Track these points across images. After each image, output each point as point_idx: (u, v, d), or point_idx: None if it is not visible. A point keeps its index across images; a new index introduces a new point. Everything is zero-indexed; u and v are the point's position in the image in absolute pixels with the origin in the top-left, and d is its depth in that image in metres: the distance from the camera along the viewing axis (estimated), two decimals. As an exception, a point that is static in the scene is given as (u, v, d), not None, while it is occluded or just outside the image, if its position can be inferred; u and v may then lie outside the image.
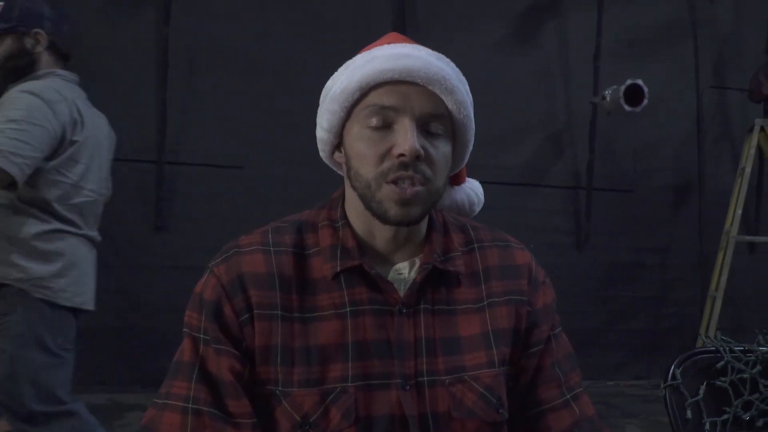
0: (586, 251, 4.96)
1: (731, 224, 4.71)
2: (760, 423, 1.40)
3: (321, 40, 4.40)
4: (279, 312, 0.90)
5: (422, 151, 0.88)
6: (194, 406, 0.89)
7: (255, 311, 0.90)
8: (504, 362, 0.95)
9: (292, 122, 4.33)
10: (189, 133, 4.26)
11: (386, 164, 0.89)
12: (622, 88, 4.39)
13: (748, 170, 4.75)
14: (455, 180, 1.09)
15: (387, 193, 0.88)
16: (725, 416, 1.38)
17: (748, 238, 4.96)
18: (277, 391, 0.89)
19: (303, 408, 0.88)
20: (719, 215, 4.87)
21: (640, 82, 4.39)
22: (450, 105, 0.91)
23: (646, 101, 4.40)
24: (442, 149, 0.91)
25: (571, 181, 4.96)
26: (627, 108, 4.40)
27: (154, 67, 4.18)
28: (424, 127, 0.90)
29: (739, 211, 4.72)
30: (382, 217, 0.89)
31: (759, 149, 4.80)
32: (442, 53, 0.97)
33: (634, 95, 4.41)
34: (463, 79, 0.95)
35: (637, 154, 5.10)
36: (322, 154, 1.02)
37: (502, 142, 4.54)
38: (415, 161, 0.88)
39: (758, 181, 5.15)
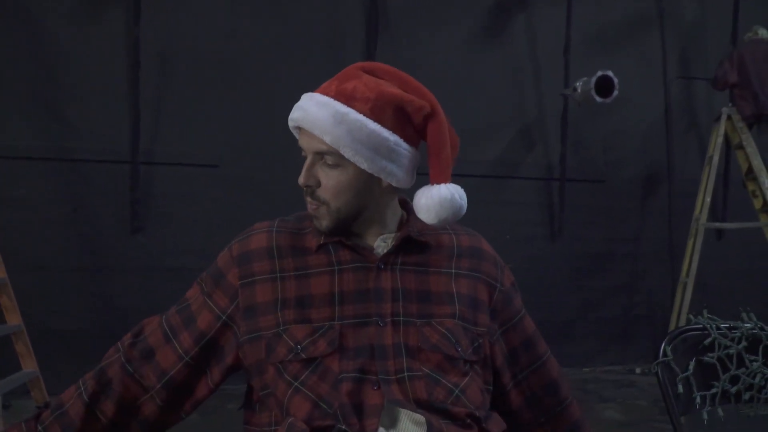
0: (559, 242, 5.04)
1: (700, 212, 4.84)
2: (746, 396, 1.45)
3: (293, 39, 4.40)
4: (277, 275, 1.16)
5: (311, 181, 1.13)
6: (165, 320, 1.22)
7: (256, 277, 1.16)
8: (463, 318, 1.17)
9: (266, 120, 4.33)
10: (163, 133, 4.22)
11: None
12: (593, 79, 4.47)
13: (715, 158, 4.88)
14: (437, 179, 1.14)
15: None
16: (714, 390, 1.43)
17: (717, 224, 5.10)
18: (279, 330, 1.13)
19: (297, 337, 1.11)
20: (688, 204, 5.00)
21: (610, 73, 4.47)
22: (328, 142, 1.10)
23: (616, 92, 4.48)
24: (336, 177, 1.12)
25: (543, 173, 5.04)
26: (598, 99, 4.47)
27: (126, 68, 4.13)
28: (321, 161, 1.13)
29: (708, 199, 4.85)
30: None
31: (725, 138, 4.94)
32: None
33: (604, 87, 4.49)
34: (352, 118, 1.10)
35: (607, 145, 5.20)
36: None
37: (474, 137, 4.59)
38: (309, 189, 1.14)
39: (725, 168, 5.29)
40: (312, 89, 1.16)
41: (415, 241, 1.18)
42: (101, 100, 4.09)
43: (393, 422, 1.08)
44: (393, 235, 1.19)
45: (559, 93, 4.93)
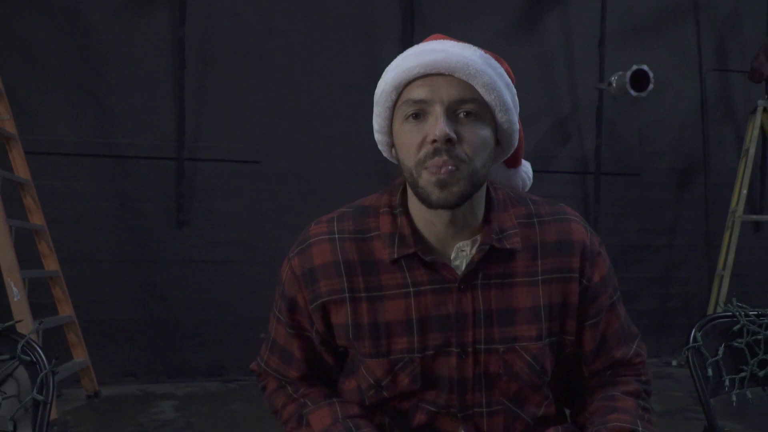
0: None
1: (737, 204, 4.82)
2: (774, 380, 1.51)
3: (329, 34, 4.50)
4: (347, 295, 1.03)
5: (453, 135, 0.94)
6: (265, 368, 1.19)
7: (325, 298, 1.04)
8: (552, 334, 1.06)
9: (305, 116, 4.46)
10: (206, 130, 4.37)
11: (423, 152, 0.96)
12: (628, 73, 4.49)
13: (752, 151, 4.85)
14: (512, 163, 1.16)
15: (426, 179, 0.96)
16: (743, 374, 1.49)
17: (754, 217, 5.07)
18: (358, 357, 1.07)
19: (375, 374, 1.04)
20: (724, 196, 4.98)
21: (645, 67, 4.49)
22: (478, 88, 0.97)
23: (651, 86, 4.50)
24: (477, 131, 0.97)
25: (579, 167, 5.07)
26: (633, 93, 4.50)
27: (171, 67, 4.28)
28: (456, 113, 0.97)
29: (745, 191, 4.83)
30: (426, 202, 0.97)
31: (762, 130, 4.91)
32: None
33: (639, 80, 4.51)
34: (494, 63, 1.02)
35: (642, 137, 5.20)
36: (383, 153, 1.11)
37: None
38: (448, 145, 0.94)
39: (762, 161, 5.26)
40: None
41: (497, 249, 1.04)
42: (147, 97, 4.25)
43: None
44: (471, 240, 1.04)
45: (594, 87, 4.95)
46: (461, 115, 0.97)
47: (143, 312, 4.23)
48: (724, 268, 4.77)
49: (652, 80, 4.50)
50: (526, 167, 1.25)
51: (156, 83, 4.27)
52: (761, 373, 1.51)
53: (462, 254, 1.04)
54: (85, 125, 4.16)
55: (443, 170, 0.95)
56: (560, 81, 5.06)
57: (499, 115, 1.00)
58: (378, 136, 1.07)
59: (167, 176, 4.28)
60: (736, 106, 5.40)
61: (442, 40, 1.02)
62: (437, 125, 0.94)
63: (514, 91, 1.04)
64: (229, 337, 4.27)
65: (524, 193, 1.14)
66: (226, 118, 4.37)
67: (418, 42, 1.07)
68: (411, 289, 1.02)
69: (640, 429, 1.03)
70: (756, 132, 4.85)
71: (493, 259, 1.03)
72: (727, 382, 1.47)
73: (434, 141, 0.94)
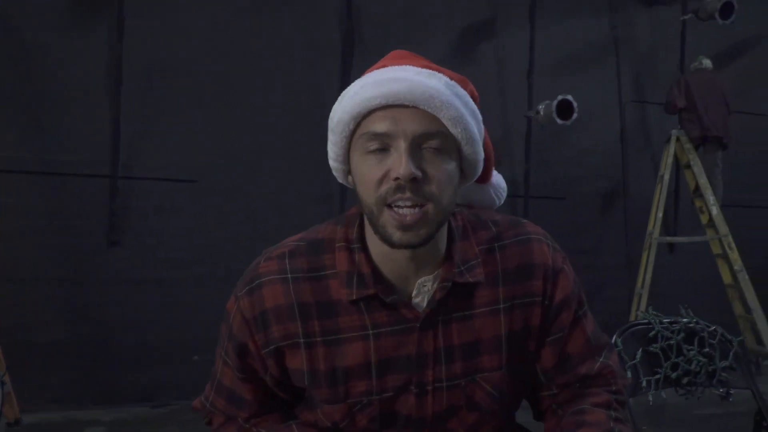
0: (524, 255, 5.27)
1: (653, 226, 5.14)
2: (685, 380, 1.67)
3: (272, 56, 4.57)
4: (302, 340, 0.98)
5: (419, 173, 0.89)
6: (210, 408, 1.12)
7: (280, 344, 0.99)
8: (512, 362, 1.03)
9: (245, 136, 4.49)
10: (143, 147, 4.33)
11: (384, 188, 0.90)
12: (554, 103, 4.76)
13: (666, 177, 5.20)
14: (483, 179, 1.09)
15: (387, 218, 0.91)
16: (657, 376, 1.65)
17: (668, 238, 5.42)
18: (315, 401, 1.03)
19: (333, 417, 1.01)
20: (643, 219, 5.30)
21: (570, 97, 4.77)
22: (444, 121, 0.92)
23: (576, 115, 4.78)
24: (443, 166, 0.91)
25: (509, 190, 5.27)
26: (559, 121, 4.77)
27: (108, 83, 4.24)
28: (421, 147, 0.91)
29: (660, 215, 5.16)
30: (388, 242, 0.92)
31: (675, 158, 5.27)
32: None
33: (565, 109, 4.78)
34: (461, 92, 0.96)
35: (568, 164, 5.48)
36: (339, 179, 1.04)
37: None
38: (412, 183, 0.89)
39: (676, 186, 5.63)
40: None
41: (461, 284, 0.99)
42: (83, 113, 4.19)
43: None
44: (433, 276, 0.99)
45: (524, 114, 5.21)
46: (426, 150, 0.91)
47: (71, 334, 4.12)
48: (642, 286, 5.05)
49: (577, 110, 4.78)
50: (497, 180, 1.19)
51: (92, 100, 4.22)
52: (674, 375, 1.67)
53: (424, 290, 0.99)
54: (16, 140, 4.06)
55: (408, 218, 0.90)
56: (492, 108, 5.29)
57: (465, 148, 0.95)
58: (333, 164, 1.00)
59: (101, 194, 4.21)
60: (653, 135, 5.78)
61: (405, 67, 0.95)
62: (401, 162, 0.88)
63: (480, 117, 0.99)
64: (162, 360, 4.20)
65: (486, 214, 1.09)
66: (164, 136, 4.35)
67: (357, 66, 1.05)
68: (370, 332, 0.97)
69: None
70: (670, 160, 5.20)
71: (455, 294, 0.99)
72: (644, 384, 1.62)
73: (396, 179, 0.89)
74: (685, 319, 1.73)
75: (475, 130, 0.96)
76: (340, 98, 0.97)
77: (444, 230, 0.99)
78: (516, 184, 5.31)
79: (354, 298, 0.97)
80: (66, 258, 4.16)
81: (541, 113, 4.90)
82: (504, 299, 1.01)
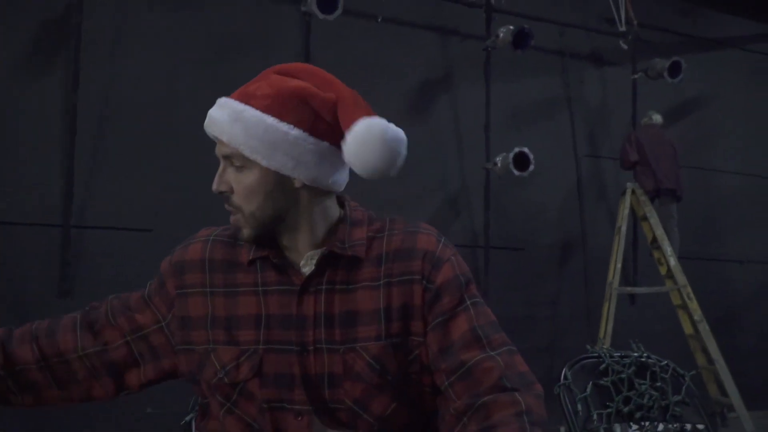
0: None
1: (613, 277, 5.19)
2: (638, 415, 1.64)
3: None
4: (208, 290, 1.16)
5: (222, 188, 1.12)
6: (109, 304, 1.24)
7: (188, 289, 1.17)
8: (393, 335, 1.10)
9: (200, 185, 4.42)
10: (96, 196, 4.25)
11: None
12: (511, 155, 4.85)
13: (623, 228, 5.29)
14: (352, 118, 1.09)
15: None
16: (609, 410, 1.61)
17: (629, 289, 5.47)
18: (209, 347, 1.14)
19: (223, 360, 1.12)
20: (601, 270, 5.35)
21: (526, 150, 4.87)
22: (227, 141, 1.10)
23: (532, 167, 4.87)
24: (243, 180, 1.10)
25: (469, 240, 5.31)
26: (516, 173, 4.85)
27: (62, 131, 4.19)
28: (231, 165, 1.11)
29: (619, 265, 5.22)
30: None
31: (632, 209, 5.38)
32: None
33: (521, 161, 4.87)
34: (248, 115, 1.09)
35: (526, 215, 5.55)
36: None
37: (402, 205, 4.84)
38: (225, 195, 1.12)
39: (633, 238, 5.72)
40: None
41: (342, 256, 1.12)
42: (35, 161, 4.11)
43: None
44: (319, 251, 1.13)
45: (482, 166, 5.28)
46: (232, 166, 1.11)
47: (15, 390, 3.93)
48: (604, 337, 5.05)
49: (533, 161, 4.87)
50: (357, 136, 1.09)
51: (45, 148, 4.15)
52: (626, 410, 1.64)
53: (311, 262, 1.13)
54: (-38, 189, 3.96)
55: (232, 219, 1.14)
56: (450, 161, 5.36)
57: (257, 158, 1.08)
58: None
59: (51, 243, 4.10)
60: (608, 188, 5.90)
61: (223, 100, 1.15)
62: (215, 181, 1.13)
63: (271, 122, 1.08)
64: (112, 413, 4.02)
65: (390, 217, 1.21)
66: (118, 184, 4.28)
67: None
68: (260, 288, 1.13)
69: None
70: (626, 212, 5.31)
71: (340, 267, 1.12)
72: (594, 417, 1.58)
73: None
74: (635, 354, 1.71)
75: (259, 144, 1.08)
76: None
77: (319, 217, 1.14)
78: (476, 235, 5.33)
79: (251, 257, 1.14)
80: (14, 308, 4.00)
81: (499, 165, 4.98)
82: (385, 275, 1.12)
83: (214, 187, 1.12)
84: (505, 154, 4.99)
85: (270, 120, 1.09)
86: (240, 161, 1.10)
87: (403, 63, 5.17)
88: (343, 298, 1.11)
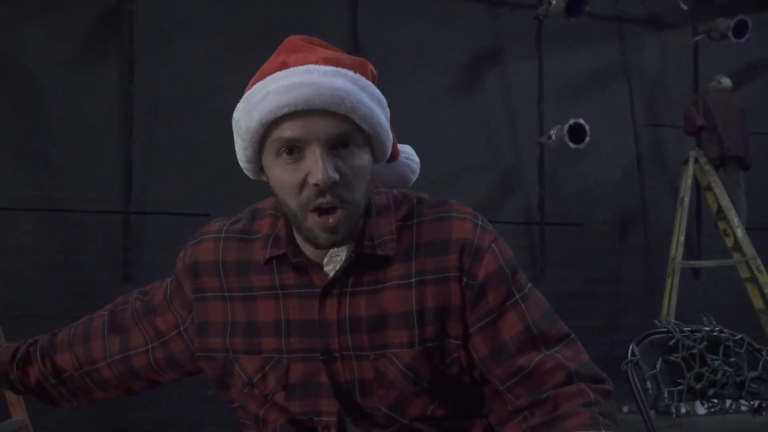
0: (541, 284, 5.16)
1: (676, 251, 5.01)
2: (711, 392, 1.56)
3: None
4: (226, 294, 1.03)
5: (336, 176, 0.90)
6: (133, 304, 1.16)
7: (207, 293, 1.05)
8: (428, 339, 0.98)
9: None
10: (155, 183, 4.35)
11: (305, 193, 0.92)
12: (566, 127, 4.71)
13: (686, 200, 5.09)
14: (390, 158, 1.06)
15: (313, 223, 0.93)
16: (680, 387, 1.54)
17: (693, 263, 5.27)
18: (231, 356, 1.04)
19: (248, 371, 1.02)
20: (664, 244, 5.17)
21: (581, 121, 4.72)
22: (356, 120, 0.92)
23: (588, 138, 4.72)
24: (356, 163, 0.93)
25: (523, 217, 5.21)
26: (571, 145, 4.71)
27: (119, 120, 4.29)
28: (335, 147, 0.92)
29: (682, 238, 5.03)
30: (314, 243, 0.95)
31: (695, 179, 5.16)
32: (396, 101, 1.04)
33: (577, 133, 4.73)
34: (367, 84, 0.95)
35: (583, 190, 5.40)
36: (250, 176, 1.05)
37: (453, 183, 4.77)
38: (332, 186, 0.90)
39: (697, 209, 5.50)
40: None
41: (369, 256, 0.98)
42: (93, 150, 4.22)
43: None
44: (345, 247, 0.98)
45: (535, 141, 5.15)
46: (340, 147, 0.92)
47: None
48: (668, 313, 4.90)
49: (589, 133, 4.72)
50: (406, 153, 1.13)
51: (103, 137, 4.26)
52: (698, 386, 1.56)
53: (336, 259, 0.99)
54: (28, 179, 4.10)
55: (331, 221, 0.92)
56: (503, 136, 5.25)
57: (375, 140, 0.96)
58: (244, 165, 1.02)
59: (113, 230, 4.22)
60: (670, 158, 5.69)
61: (309, 67, 0.93)
62: (319, 169, 0.89)
63: (384, 101, 0.98)
64: (175, 394, 4.13)
65: (413, 193, 1.06)
66: (176, 171, 4.36)
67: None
68: (279, 292, 1.00)
69: None
70: (689, 182, 5.10)
71: (366, 266, 0.98)
72: (665, 394, 1.51)
73: (317, 184, 0.90)
74: (707, 328, 1.63)
75: (384, 121, 0.96)
76: (244, 103, 0.98)
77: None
78: (530, 211, 5.22)
79: (267, 257, 1.00)
80: (79, 294, 4.14)
81: (553, 138, 4.85)
82: (416, 273, 0.98)
83: (328, 175, 0.89)
84: (559, 126, 4.85)
85: (374, 89, 0.95)
86: (358, 141, 0.93)
87: (451, 38, 5.07)
88: (371, 300, 0.98)
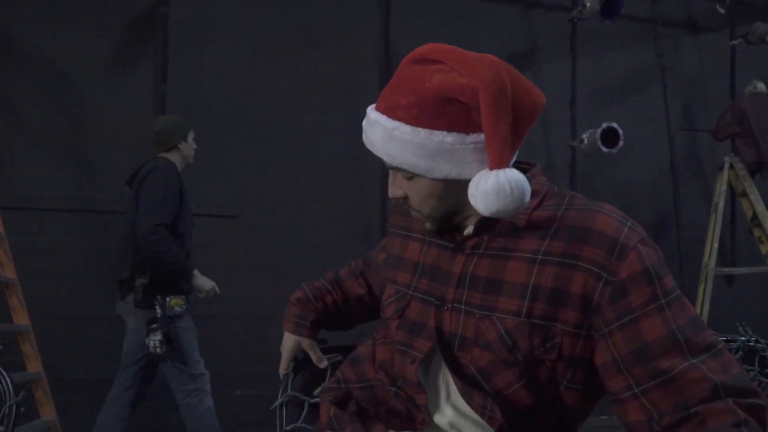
0: (572, 289, 5.11)
1: (709, 257, 4.92)
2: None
3: (310, 91, 4.62)
4: (393, 229, 1.30)
5: (399, 193, 1.13)
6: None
7: (392, 228, 1.31)
8: (536, 316, 1.02)
9: (286, 171, 4.52)
10: (186, 184, 4.38)
11: None
12: (599, 130, 4.65)
13: (721, 206, 5.00)
14: (493, 164, 1.04)
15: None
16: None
17: (726, 270, 5.17)
18: (387, 279, 1.27)
19: (388, 293, 1.24)
20: (697, 250, 5.08)
21: (615, 125, 4.66)
22: (389, 162, 1.09)
23: (621, 143, 4.66)
24: (416, 188, 1.10)
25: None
26: (604, 149, 4.65)
27: (152, 122, 4.34)
28: (398, 172, 1.12)
29: (716, 245, 4.94)
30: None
31: (729, 185, 5.07)
32: None
33: (610, 137, 4.67)
34: (396, 135, 1.05)
35: (616, 194, 5.32)
36: None
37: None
38: (404, 200, 1.14)
39: (731, 215, 5.39)
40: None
41: (502, 222, 1.07)
42: (128, 152, 4.27)
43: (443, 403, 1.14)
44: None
45: (567, 144, 5.10)
46: (401, 175, 1.11)
47: (114, 370, 4.13)
48: (700, 321, 4.81)
49: (622, 137, 4.66)
50: (506, 175, 1.09)
51: (137, 139, 4.31)
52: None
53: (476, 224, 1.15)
54: (63, 179, 4.17)
55: (413, 214, 1.16)
56: (535, 139, 5.20)
57: (430, 174, 1.06)
58: None
59: (146, 230, 4.26)
60: (704, 163, 5.58)
61: (376, 116, 1.10)
62: (389, 187, 1.15)
63: (433, 144, 1.03)
64: (206, 394, 4.18)
65: (570, 192, 1.13)
66: (207, 172, 4.40)
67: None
68: (426, 238, 1.19)
69: None
70: (724, 187, 5.01)
71: (502, 234, 1.08)
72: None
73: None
74: (743, 338, 1.59)
75: (419, 160, 1.05)
76: None
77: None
78: (562, 216, 5.17)
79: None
80: (109, 295, 4.20)
81: (586, 142, 4.79)
82: (545, 252, 1.04)
83: (390, 194, 1.14)
84: (592, 130, 4.80)
85: (422, 133, 1.03)
86: (407, 173, 1.09)
87: (485, 39, 5.03)
88: (494, 264, 1.07)
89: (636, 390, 0.98)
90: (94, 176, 4.23)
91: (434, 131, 1.02)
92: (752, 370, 1.53)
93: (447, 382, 1.13)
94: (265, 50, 4.59)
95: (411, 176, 1.08)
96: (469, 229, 1.12)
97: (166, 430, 4.18)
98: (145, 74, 4.37)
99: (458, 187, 1.05)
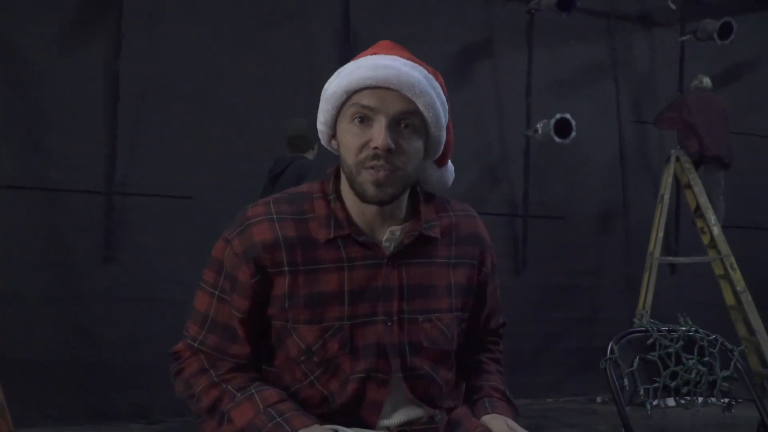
0: (523, 275, 5.23)
1: (654, 247, 5.09)
2: (684, 390, 1.62)
3: (267, 74, 4.58)
4: (286, 268, 1.13)
5: (393, 145, 1.08)
6: (198, 347, 1.20)
7: (267, 270, 1.13)
8: (457, 309, 1.22)
9: (240, 153, 4.47)
10: (138, 164, 4.31)
11: (364, 154, 1.10)
12: (552, 121, 4.75)
13: (666, 197, 5.17)
14: (440, 162, 1.28)
15: (365, 177, 1.10)
16: (656, 384, 1.59)
17: (670, 259, 5.36)
18: (288, 326, 1.15)
19: (307, 340, 1.14)
20: (643, 239, 5.25)
21: (568, 116, 4.76)
22: (420, 105, 1.11)
23: (574, 133, 4.77)
24: (413, 143, 1.12)
25: (508, 209, 5.25)
26: (557, 140, 4.75)
27: (105, 100, 4.24)
28: (397, 124, 1.10)
29: (661, 235, 5.12)
30: (362, 197, 1.11)
31: (675, 177, 5.25)
32: None
33: (563, 128, 4.77)
34: (436, 83, 1.17)
35: (567, 183, 5.45)
36: (322, 141, 1.21)
37: (442, 173, 4.79)
38: (387, 153, 1.08)
39: (677, 206, 5.59)
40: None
41: (423, 236, 1.18)
42: (78, 130, 4.17)
43: (392, 413, 1.18)
44: (401, 227, 1.18)
45: (522, 134, 5.19)
46: (402, 125, 1.10)
47: (66, 351, 4.06)
48: (644, 307, 4.99)
49: (575, 128, 4.77)
50: (450, 167, 1.37)
51: (89, 117, 4.21)
52: (672, 385, 1.62)
53: (392, 237, 1.17)
54: (11, 157, 4.05)
55: (381, 173, 1.08)
56: (490, 128, 5.28)
57: (433, 130, 1.14)
58: (321, 127, 1.19)
59: (96, 211, 4.18)
60: (652, 155, 5.76)
61: (394, 57, 1.15)
62: (381, 136, 1.07)
63: (447, 107, 1.18)
64: (157, 377, 4.12)
65: (444, 197, 1.31)
66: (160, 153, 4.33)
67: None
68: (345, 264, 1.14)
69: (503, 388, 1.28)
70: (670, 179, 5.18)
71: (419, 244, 1.19)
72: (641, 392, 1.56)
73: (375, 148, 1.08)
74: (683, 328, 1.68)
75: (443, 116, 1.16)
76: (336, 74, 1.17)
77: (406, 194, 1.19)
78: (515, 204, 5.27)
79: (331, 236, 1.14)
80: (61, 275, 4.12)
81: (539, 132, 4.89)
82: (455, 256, 1.22)
83: (384, 143, 1.08)
84: (546, 121, 4.89)
85: (443, 95, 1.16)
86: (418, 124, 1.12)
87: (443, 28, 5.07)
88: (422, 272, 1.18)
89: (487, 339, 1.38)
90: (44, 154, 4.11)
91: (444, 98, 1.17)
92: (691, 359, 1.61)
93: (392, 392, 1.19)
94: (223, 30, 4.51)
95: (416, 129, 1.12)
96: (389, 242, 1.16)
97: (117, 413, 4.14)
98: (98, 52, 4.26)
99: (420, 165, 1.17)
